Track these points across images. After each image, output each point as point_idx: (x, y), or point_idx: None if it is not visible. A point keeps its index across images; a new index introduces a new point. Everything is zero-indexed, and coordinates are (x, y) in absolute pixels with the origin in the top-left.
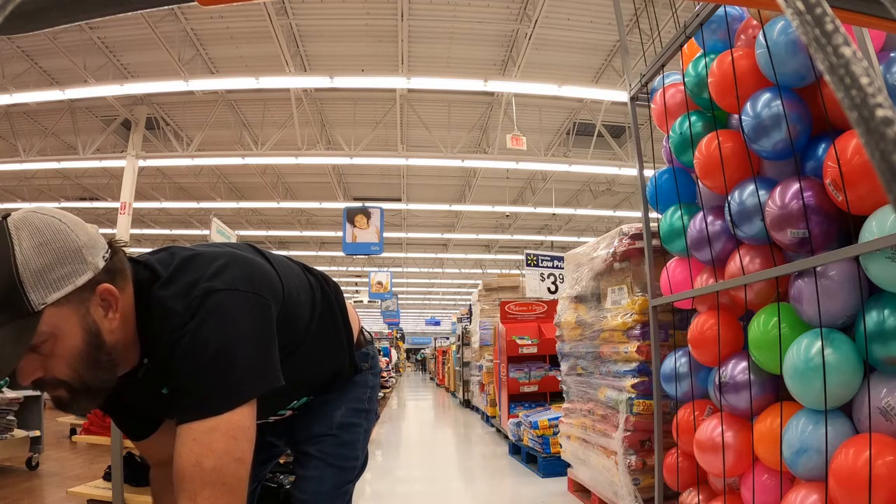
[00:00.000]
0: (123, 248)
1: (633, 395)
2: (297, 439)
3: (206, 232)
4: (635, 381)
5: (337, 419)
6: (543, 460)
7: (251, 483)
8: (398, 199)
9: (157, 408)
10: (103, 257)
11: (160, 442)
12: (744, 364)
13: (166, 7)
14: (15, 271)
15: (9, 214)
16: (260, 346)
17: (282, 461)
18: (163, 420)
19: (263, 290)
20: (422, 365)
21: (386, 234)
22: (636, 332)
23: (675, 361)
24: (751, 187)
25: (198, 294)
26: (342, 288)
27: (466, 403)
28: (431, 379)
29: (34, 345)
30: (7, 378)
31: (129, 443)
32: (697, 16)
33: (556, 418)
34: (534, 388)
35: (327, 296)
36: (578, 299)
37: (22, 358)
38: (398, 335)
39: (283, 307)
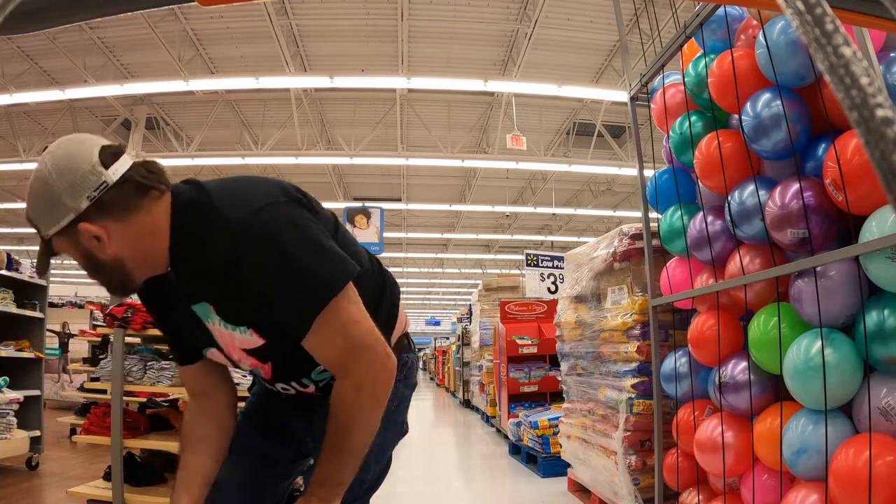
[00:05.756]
0: (143, 172)
1: (633, 395)
2: (316, 434)
3: None
4: (635, 381)
5: None
6: (543, 460)
7: (283, 480)
8: (398, 199)
9: (190, 324)
10: (88, 197)
11: (200, 372)
12: (744, 364)
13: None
14: (28, 211)
15: None
16: (328, 242)
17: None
18: (203, 352)
19: (317, 209)
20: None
21: (386, 234)
22: (636, 332)
23: (675, 361)
24: (751, 187)
25: (259, 207)
26: None
27: (466, 403)
28: (431, 379)
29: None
30: (6, 378)
31: (129, 443)
32: (697, 16)
33: (556, 418)
34: (534, 388)
35: (383, 281)
36: (578, 299)
37: (47, 260)
38: None
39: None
